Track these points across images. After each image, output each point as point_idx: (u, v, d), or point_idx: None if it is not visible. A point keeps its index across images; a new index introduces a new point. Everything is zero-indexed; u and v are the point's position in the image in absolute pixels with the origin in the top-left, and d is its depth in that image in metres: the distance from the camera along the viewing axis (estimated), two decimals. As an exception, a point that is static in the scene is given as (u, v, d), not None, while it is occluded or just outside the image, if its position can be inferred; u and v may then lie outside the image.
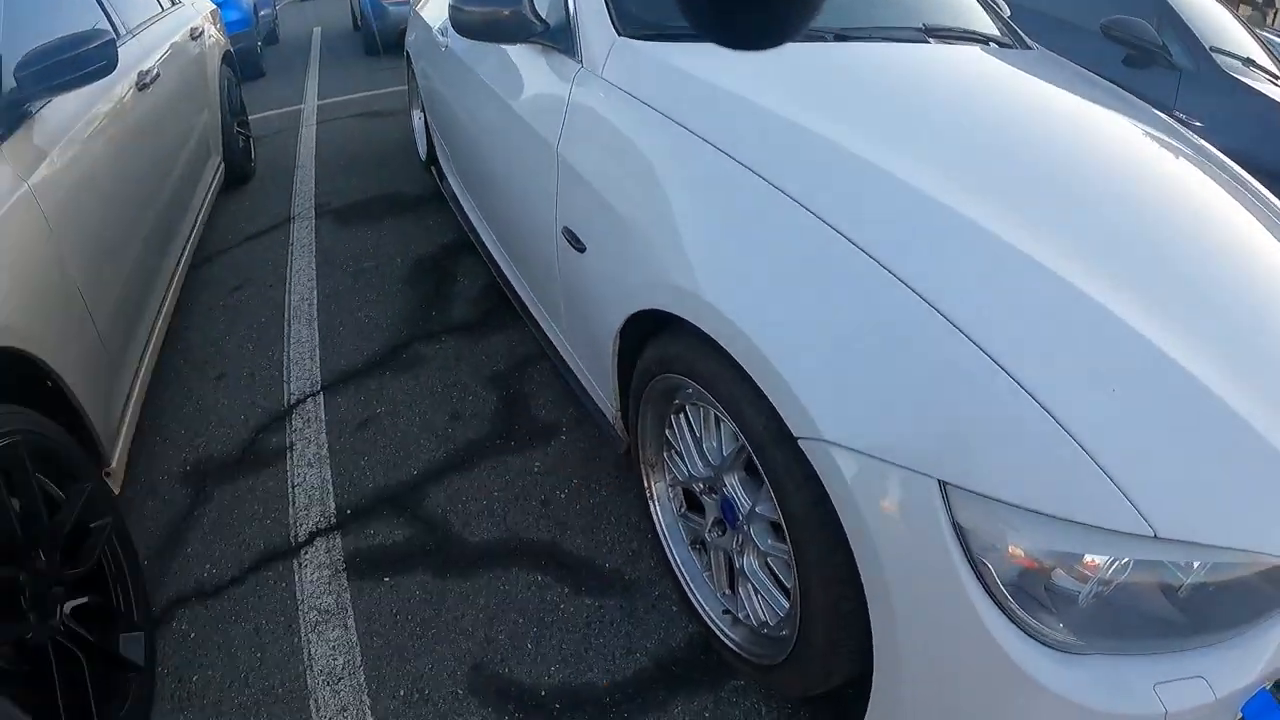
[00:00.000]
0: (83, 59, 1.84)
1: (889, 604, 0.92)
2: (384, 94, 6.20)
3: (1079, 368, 0.89)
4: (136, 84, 2.54)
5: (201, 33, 3.77)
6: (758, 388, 1.01)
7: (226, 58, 4.22)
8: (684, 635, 1.53)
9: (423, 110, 3.77)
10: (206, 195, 3.25)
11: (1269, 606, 0.91)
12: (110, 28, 2.55)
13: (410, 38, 3.90)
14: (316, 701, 1.45)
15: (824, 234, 1.04)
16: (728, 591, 1.43)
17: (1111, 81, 1.98)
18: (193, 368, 2.51)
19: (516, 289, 2.25)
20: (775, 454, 1.02)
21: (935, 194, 1.10)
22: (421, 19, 3.48)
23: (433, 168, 3.71)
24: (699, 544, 1.52)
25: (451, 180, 3.15)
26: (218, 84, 3.82)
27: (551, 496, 1.88)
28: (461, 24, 1.81)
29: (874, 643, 0.98)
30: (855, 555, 0.94)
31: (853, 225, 1.04)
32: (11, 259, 1.48)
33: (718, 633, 1.43)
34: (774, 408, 0.98)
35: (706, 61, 1.48)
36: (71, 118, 1.99)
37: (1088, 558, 0.83)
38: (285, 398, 2.32)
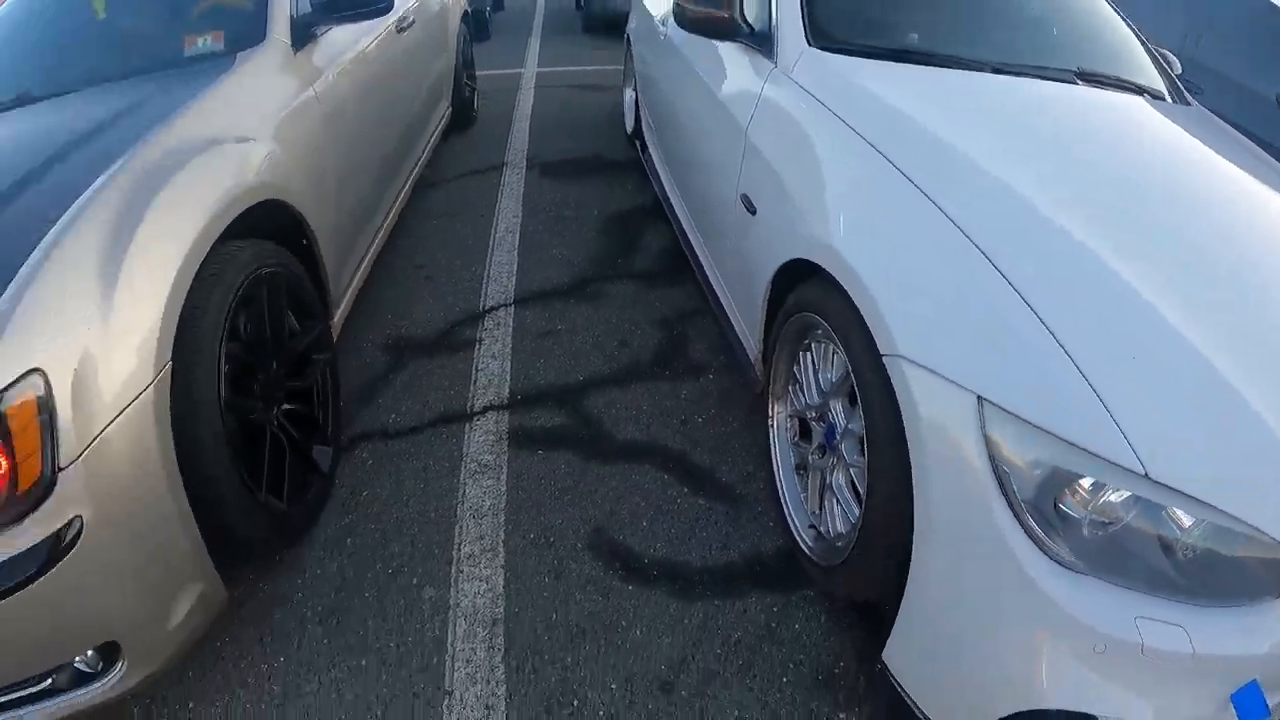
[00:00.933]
0: None
1: (928, 498, 1.22)
2: (598, 70, 6.76)
3: (1112, 339, 1.16)
4: (396, 27, 3.14)
5: None
6: (864, 321, 1.36)
7: (464, 17, 4.93)
8: (773, 547, 1.87)
9: (634, 88, 4.24)
10: (434, 131, 3.88)
11: (1263, 593, 1.05)
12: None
13: (632, 24, 4.39)
14: (461, 528, 1.90)
15: (935, 217, 1.37)
16: (816, 511, 1.77)
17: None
18: (406, 267, 3.10)
19: (694, 246, 2.67)
20: (868, 374, 1.37)
21: (1042, 207, 1.40)
22: (644, 7, 3.95)
23: (636, 141, 4.18)
24: (801, 469, 1.87)
25: (653, 151, 3.59)
26: (455, 38, 4.47)
27: (690, 419, 2.28)
28: (683, 19, 2.22)
29: (914, 534, 1.28)
30: (910, 455, 1.26)
31: (957, 210, 1.37)
32: (293, 141, 2.04)
33: (800, 542, 1.77)
34: (871, 335, 1.33)
35: (878, 77, 1.83)
36: (345, 45, 2.59)
37: (1084, 480, 1.08)
38: (481, 303, 2.86)
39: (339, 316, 2.31)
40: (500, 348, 2.61)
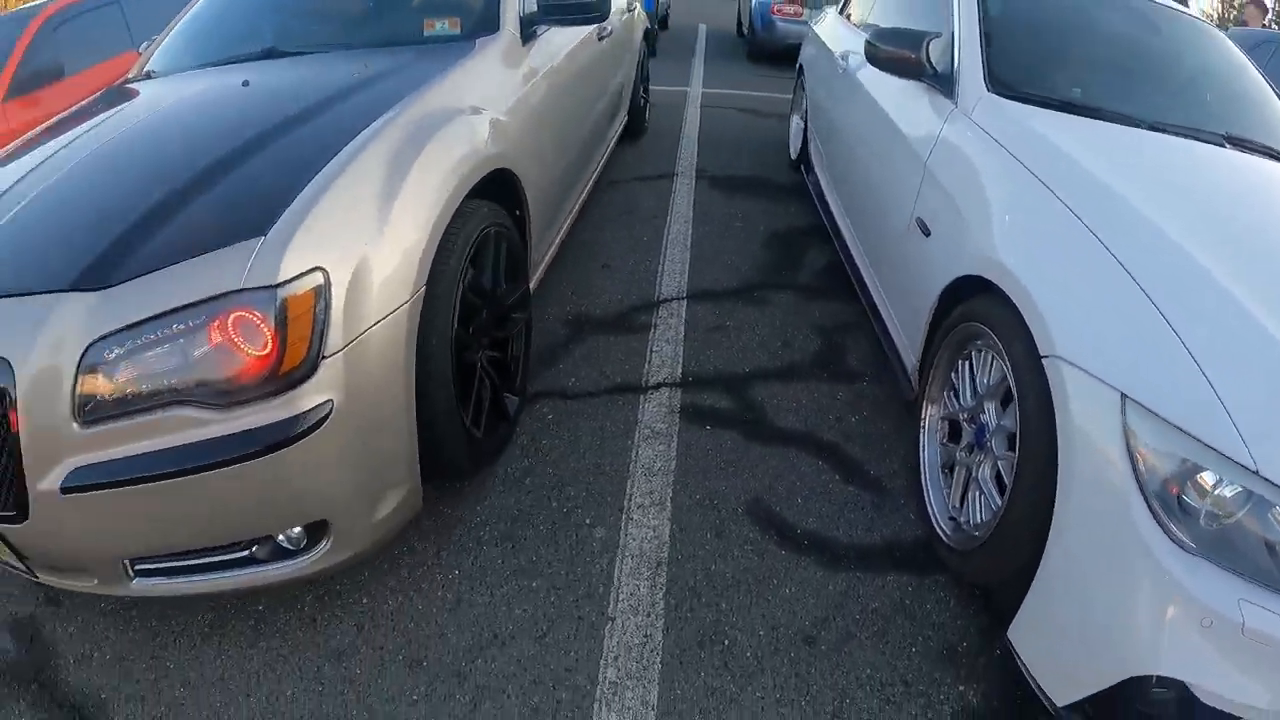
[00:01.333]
0: (586, 6, 2.76)
1: (1070, 484, 1.44)
2: (761, 96, 7.08)
3: (1235, 354, 1.36)
4: (598, 34, 3.55)
5: (635, 8, 4.94)
6: (1027, 328, 1.61)
7: (646, 33, 5.38)
8: (911, 536, 2.09)
9: (803, 117, 4.54)
10: (614, 135, 4.32)
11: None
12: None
13: (806, 54, 4.68)
14: (633, 482, 2.21)
15: (1092, 244, 1.61)
16: (957, 504, 2.00)
17: None
18: (586, 255, 3.51)
19: (858, 265, 2.93)
20: (1027, 374, 1.61)
21: (1183, 243, 1.61)
22: (820, 40, 4.24)
23: (801, 166, 4.47)
24: (946, 467, 2.10)
25: (820, 176, 3.88)
26: (638, 52, 4.95)
27: (844, 417, 2.54)
28: (875, 57, 2.51)
29: (1053, 518, 1.50)
30: (1058, 446, 1.49)
31: (1111, 239, 1.60)
32: (519, 121, 2.42)
33: (939, 531, 2.00)
34: (1033, 339, 1.57)
35: (1047, 124, 2.07)
36: (560, 44, 3.00)
37: (1205, 474, 1.27)
38: (655, 294, 3.22)
39: (534, 284, 2.66)
40: (673, 334, 2.94)
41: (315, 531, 1.63)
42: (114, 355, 1.45)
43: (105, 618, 1.85)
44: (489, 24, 2.58)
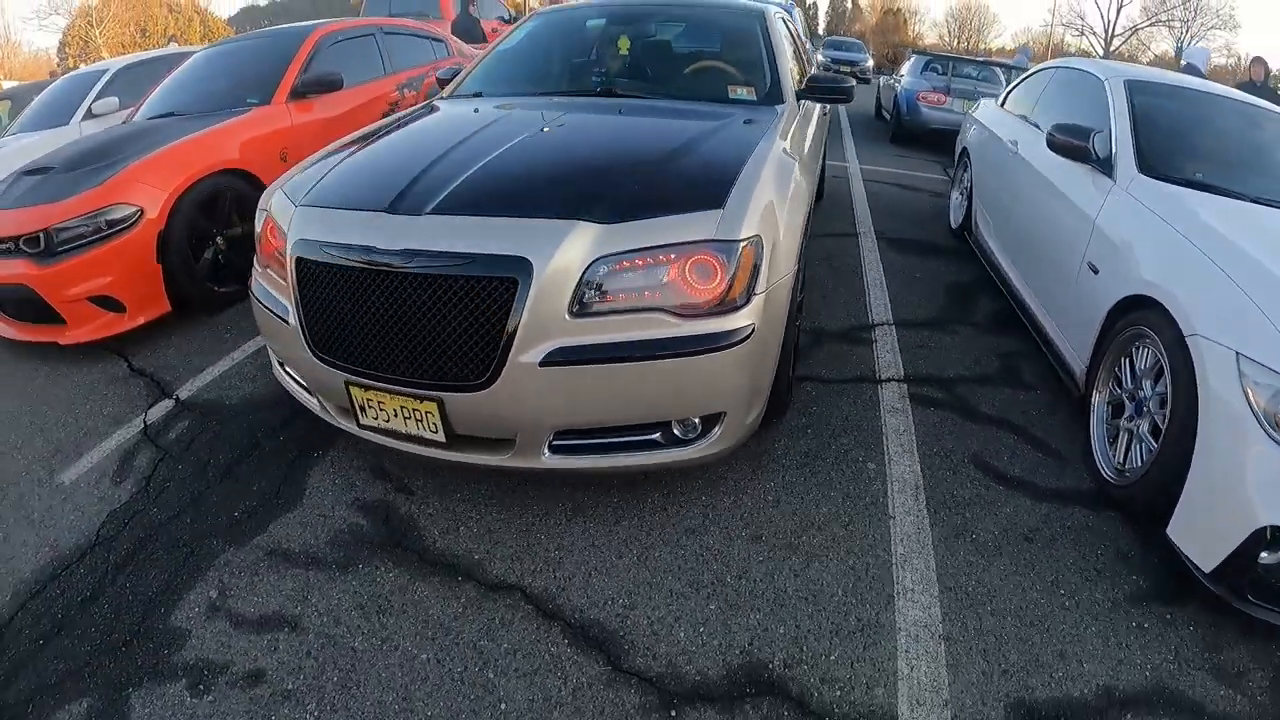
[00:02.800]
0: (839, 90, 3.66)
1: (1208, 418, 2.35)
2: (913, 174, 8.16)
3: None
4: (821, 110, 4.67)
5: None
6: (1175, 320, 2.56)
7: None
8: (1087, 488, 2.97)
9: (963, 192, 5.58)
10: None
11: None
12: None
13: (969, 139, 5.75)
14: (886, 437, 3.16)
15: (1214, 271, 2.56)
16: (1120, 460, 2.91)
17: None
18: (807, 288, 4.55)
19: (1027, 303, 3.90)
20: (1175, 350, 2.55)
21: (1273, 268, 2.55)
22: (986, 128, 5.31)
23: (964, 233, 5.49)
24: (1111, 437, 3.01)
25: (987, 239, 4.88)
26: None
27: (1027, 411, 3.47)
28: (1052, 144, 3.53)
29: (1195, 446, 2.42)
30: (1198, 395, 2.42)
31: (1229, 269, 2.55)
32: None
33: (1106, 478, 2.91)
34: (1179, 326, 2.53)
35: (1180, 196, 3.05)
36: (808, 111, 4.01)
37: None
38: (869, 319, 4.28)
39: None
40: (890, 347, 3.97)
41: (709, 422, 2.36)
42: (607, 270, 2.14)
43: (464, 503, 2.68)
44: (777, 96, 3.57)
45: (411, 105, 5.85)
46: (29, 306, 3.89)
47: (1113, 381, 3.05)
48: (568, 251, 2.16)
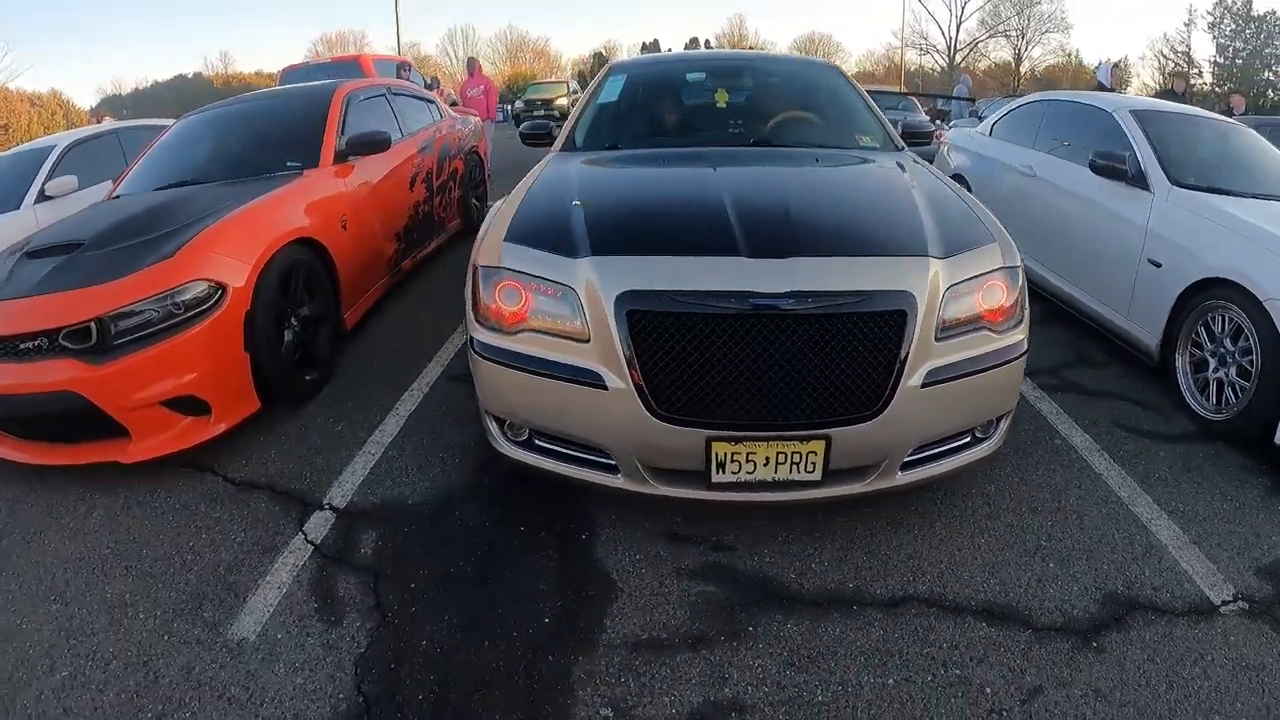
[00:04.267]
0: (925, 132, 4.39)
1: None
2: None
3: None
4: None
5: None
6: (1250, 293, 3.57)
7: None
8: (1182, 429, 3.92)
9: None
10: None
11: None
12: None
13: (959, 163, 6.84)
14: (1050, 420, 4.12)
15: (1263, 251, 3.61)
16: (1215, 402, 3.91)
17: None
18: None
19: (1081, 301, 4.92)
20: (1257, 315, 3.54)
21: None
22: (978, 152, 6.49)
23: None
24: (1200, 387, 4.01)
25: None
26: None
27: (1118, 381, 4.41)
28: (1095, 167, 4.58)
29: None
30: (1282, 342, 3.43)
31: (1265, 244, 3.61)
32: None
33: (1207, 417, 3.90)
34: (1257, 296, 3.54)
35: (1208, 198, 4.13)
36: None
37: None
38: None
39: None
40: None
41: (999, 421, 2.78)
42: (949, 298, 2.45)
43: (794, 542, 2.80)
44: (894, 142, 4.13)
45: (429, 168, 6.41)
46: (75, 420, 3.20)
47: (1191, 346, 4.05)
48: (933, 284, 2.45)
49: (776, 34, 72.14)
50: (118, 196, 4.75)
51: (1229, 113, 9.85)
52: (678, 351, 2.32)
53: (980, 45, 54.35)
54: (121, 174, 5.15)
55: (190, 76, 59.61)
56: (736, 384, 2.31)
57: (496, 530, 2.93)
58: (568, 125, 4.30)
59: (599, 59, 56.75)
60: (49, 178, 6.09)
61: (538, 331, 2.55)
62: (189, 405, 3.33)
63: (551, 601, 2.53)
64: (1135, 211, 4.43)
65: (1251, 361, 3.60)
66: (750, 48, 28.83)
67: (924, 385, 2.43)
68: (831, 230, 2.74)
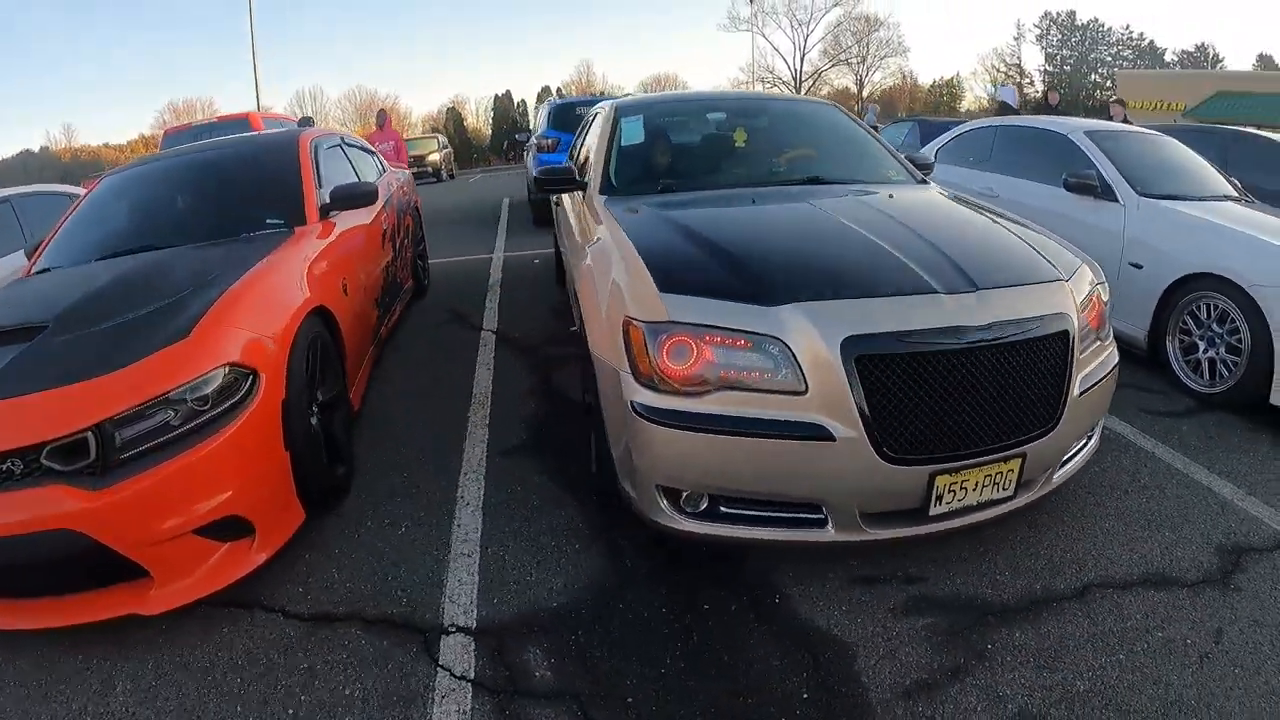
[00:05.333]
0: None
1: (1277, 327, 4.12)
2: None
3: None
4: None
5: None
6: (1234, 283, 4.29)
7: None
8: (1185, 405, 4.57)
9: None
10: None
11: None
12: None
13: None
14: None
15: (1245, 242, 4.39)
16: (1207, 378, 4.64)
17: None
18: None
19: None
20: (1243, 300, 4.24)
21: (1232, 224, 4.40)
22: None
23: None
24: (1192, 367, 4.74)
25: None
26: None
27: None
28: (1068, 184, 5.31)
29: (1274, 355, 4.15)
30: (1267, 320, 4.13)
31: (1257, 239, 4.38)
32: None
33: (1202, 392, 4.60)
34: (1241, 285, 4.26)
35: (1172, 204, 4.91)
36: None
37: None
38: None
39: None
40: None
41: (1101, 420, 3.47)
42: (1080, 313, 2.76)
43: (1006, 551, 2.83)
44: (912, 175, 4.44)
45: (393, 224, 5.97)
46: (74, 566, 2.47)
47: (1179, 333, 4.78)
48: (1073, 303, 2.73)
49: (623, 78, 74.16)
50: (47, 269, 4.04)
51: (1047, 108, 11.26)
52: (904, 392, 2.37)
53: (823, 74, 57.94)
54: (39, 244, 4.42)
55: (37, 151, 57.23)
56: (955, 416, 2.41)
57: (680, 615, 2.64)
58: (598, 169, 4.25)
59: (452, 114, 57.38)
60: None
61: (734, 388, 2.42)
62: (228, 528, 2.65)
63: (796, 675, 2.36)
64: (1110, 221, 5.17)
65: (1239, 340, 4.31)
66: (601, 93, 29.61)
67: (1080, 395, 2.69)
68: (987, 261, 2.82)
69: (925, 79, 62.10)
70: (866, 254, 2.86)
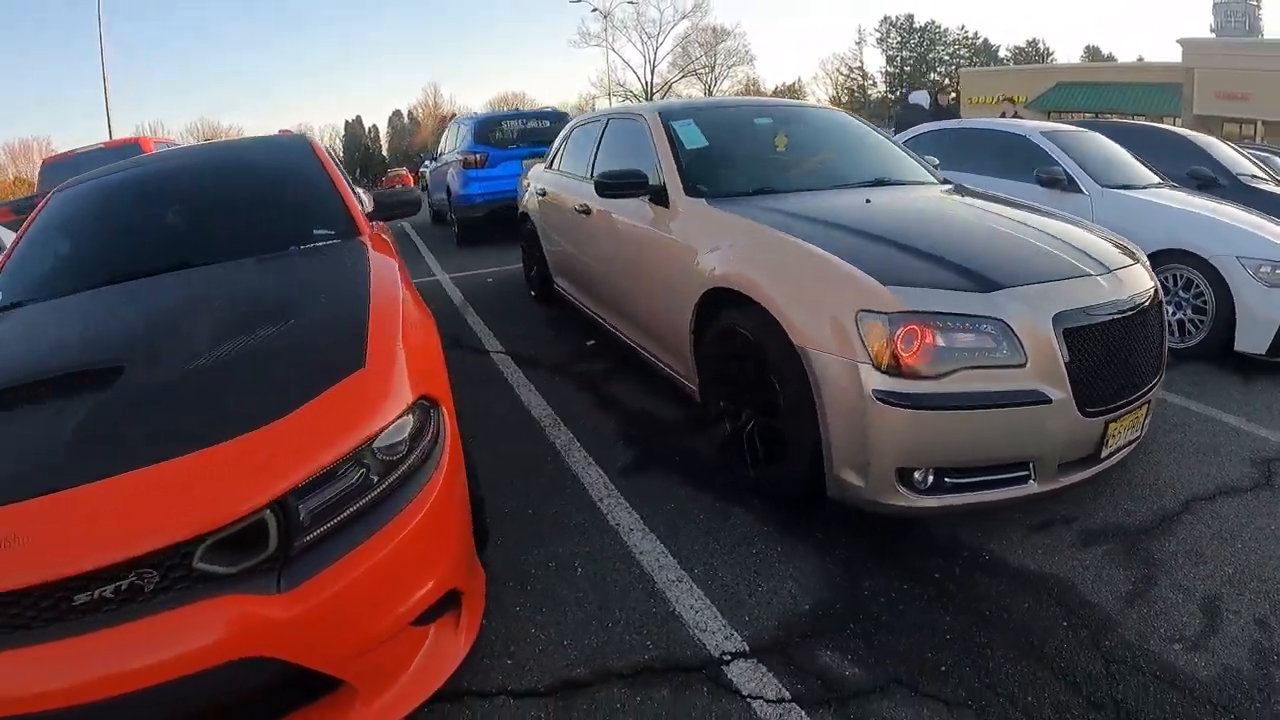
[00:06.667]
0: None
1: (1239, 294, 4.97)
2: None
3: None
4: None
5: None
6: (1199, 255, 5.18)
7: None
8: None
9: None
10: None
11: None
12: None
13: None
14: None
15: (1189, 216, 5.32)
16: (1177, 336, 5.50)
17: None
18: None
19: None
20: (1207, 270, 5.12)
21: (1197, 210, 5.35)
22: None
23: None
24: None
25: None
26: None
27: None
28: (1040, 180, 6.15)
29: (1235, 304, 5.07)
30: (1229, 284, 5.03)
31: (1206, 222, 5.32)
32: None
33: (1175, 348, 5.41)
34: (1204, 257, 5.14)
35: (1138, 194, 5.85)
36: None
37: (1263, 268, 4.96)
38: None
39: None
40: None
41: None
42: None
43: None
44: (934, 175, 4.88)
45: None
46: (243, 710, 1.83)
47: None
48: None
49: (471, 99, 74.13)
50: (17, 304, 3.17)
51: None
52: (1093, 356, 2.85)
53: (674, 85, 59.97)
54: None
55: None
56: (1119, 373, 2.97)
57: (923, 585, 2.82)
58: (673, 174, 4.24)
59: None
60: None
61: (966, 368, 2.68)
62: (442, 607, 2.12)
63: (1047, 610, 2.66)
64: (1080, 210, 5.99)
65: (1204, 302, 5.21)
66: (453, 115, 29.25)
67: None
68: (1097, 248, 3.33)
69: (769, 85, 65.08)
70: (1016, 244, 3.28)
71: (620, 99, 56.63)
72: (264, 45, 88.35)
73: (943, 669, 2.42)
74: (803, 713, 2.25)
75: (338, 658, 1.85)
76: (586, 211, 5.32)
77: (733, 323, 3.41)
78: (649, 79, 58.37)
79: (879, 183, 4.42)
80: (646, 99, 56.91)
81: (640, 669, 2.42)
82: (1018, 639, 2.55)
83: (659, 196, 4.25)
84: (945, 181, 4.76)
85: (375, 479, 1.97)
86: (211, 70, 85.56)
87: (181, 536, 1.70)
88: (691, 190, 4.12)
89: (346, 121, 56.71)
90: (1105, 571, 2.92)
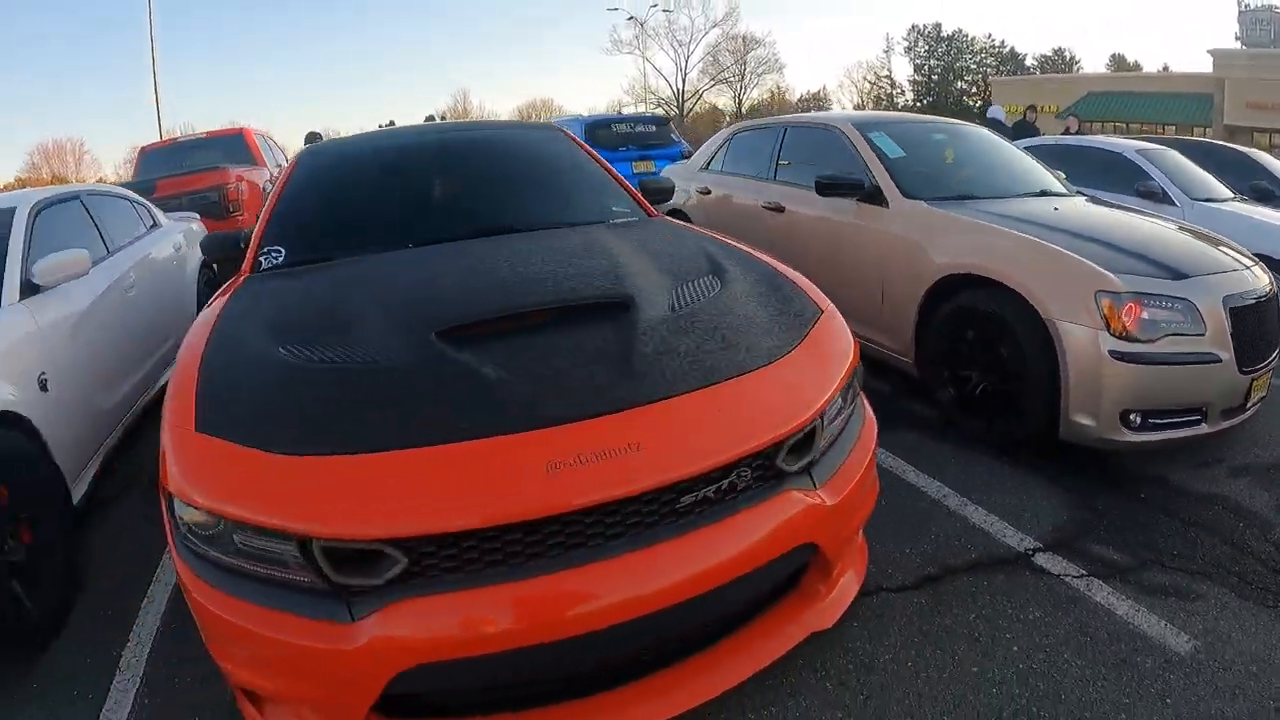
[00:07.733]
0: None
1: None
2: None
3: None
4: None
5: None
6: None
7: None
8: None
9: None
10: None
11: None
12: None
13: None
14: None
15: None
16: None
17: None
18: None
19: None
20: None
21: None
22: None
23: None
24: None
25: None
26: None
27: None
28: (1141, 193, 7.13)
29: None
30: None
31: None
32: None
33: None
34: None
35: (1223, 207, 6.88)
36: None
37: None
38: None
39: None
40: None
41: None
42: None
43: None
44: None
45: None
46: (774, 593, 2.29)
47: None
48: None
49: (500, 106, 75.56)
50: (329, 260, 3.31)
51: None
52: (1245, 329, 3.78)
53: (703, 93, 60.93)
54: (240, 237, 3.88)
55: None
56: (1260, 343, 3.91)
57: (1138, 506, 3.77)
58: (885, 178, 5.04)
59: (311, 137, 56.52)
60: (30, 256, 3.90)
61: (1169, 335, 3.65)
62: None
63: (1231, 519, 3.66)
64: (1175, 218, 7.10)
65: None
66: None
67: None
68: (1230, 246, 4.52)
69: (794, 94, 65.89)
70: (1185, 244, 4.30)
71: (654, 106, 57.58)
72: (291, 48, 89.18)
73: (1175, 553, 3.41)
74: (1100, 582, 3.15)
75: (840, 544, 2.29)
76: (779, 209, 5.94)
77: (974, 303, 4.28)
78: (680, 86, 59.12)
79: (1044, 193, 5.24)
80: (678, 106, 58.29)
81: (974, 564, 3.26)
82: (1213, 533, 3.58)
83: (872, 197, 5.04)
84: (1079, 193, 5.51)
85: (848, 404, 2.46)
86: (241, 74, 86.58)
87: (775, 438, 2.05)
88: (908, 193, 4.89)
89: (380, 125, 57.13)
90: (1254, 492, 3.96)
